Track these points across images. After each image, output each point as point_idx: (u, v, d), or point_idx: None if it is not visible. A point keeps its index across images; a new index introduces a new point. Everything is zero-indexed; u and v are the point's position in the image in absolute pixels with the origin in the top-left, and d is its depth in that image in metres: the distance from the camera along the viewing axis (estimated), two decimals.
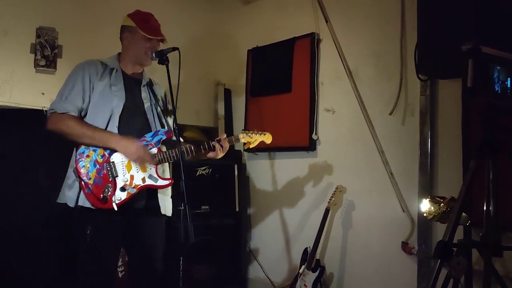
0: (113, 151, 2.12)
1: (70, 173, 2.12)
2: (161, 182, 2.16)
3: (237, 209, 3.61)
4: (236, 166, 3.67)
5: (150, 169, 2.15)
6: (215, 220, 3.48)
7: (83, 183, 2.06)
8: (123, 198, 2.08)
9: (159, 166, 2.19)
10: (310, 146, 3.37)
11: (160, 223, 2.27)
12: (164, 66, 2.12)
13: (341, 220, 3.22)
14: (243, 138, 2.39)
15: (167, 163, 2.28)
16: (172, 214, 2.26)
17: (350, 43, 3.24)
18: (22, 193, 2.83)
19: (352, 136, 3.20)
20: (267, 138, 2.46)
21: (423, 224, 2.76)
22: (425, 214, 2.23)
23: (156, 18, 2.28)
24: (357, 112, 3.15)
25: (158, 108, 2.30)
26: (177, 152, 2.11)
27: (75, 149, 2.13)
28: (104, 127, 2.12)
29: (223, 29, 4.08)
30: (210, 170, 3.51)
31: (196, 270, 3.19)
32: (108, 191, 2.06)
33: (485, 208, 1.69)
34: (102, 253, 2.09)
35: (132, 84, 2.27)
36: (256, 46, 3.80)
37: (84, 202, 2.06)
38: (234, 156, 3.74)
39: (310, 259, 3.06)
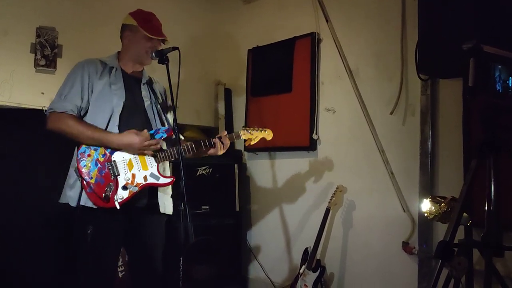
0: (114, 150, 2.11)
1: (72, 172, 2.12)
2: (163, 180, 2.16)
3: (237, 209, 3.61)
4: (236, 166, 3.66)
5: (152, 167, 2.15)
6: (215, 220, 3.47)
7: (84, 182, 2.05)
8: (125, 197, 2.08)
9: (160, 164, 2.19)
10: (311, 145, 3.37)
11: (160, 223, 2.27)
12: (164, 65, 2.12)
13: (341, 220, 3.22)
14: (244, 134, 2.39)
15: (167, 162, 2.27)
16: (172, 214, 2.26)
17: (351, 43, 3.24)
18: (22, 193, 2.83)
19: (353, 135, 3.20)
20: (268, 135, 2.46)
21: (424, 224, 2.76)
22: (425, 214, 2.23)
23: (156, 17, 2.28)
24: (358, 112, 3.15)
25: (158, 106, 2.30)
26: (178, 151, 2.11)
27: (76, 148, 2.12)
28: (104, 126, 2.12)
29: (223, 28, 4.08)
30: (211, 169, 3.51)
31: (196, 270, 3.19)
32: (110, 190, 2.06)
33: (486, 208, 1.68)
34: (102, 253, 2.09)
35: (132, 83, 2.27)
36: (256, 45, 3.79)
37: (86, 201, 2.06)
38: (234, 155, 3.73)
39: (310, 259, 3.05)
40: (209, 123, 4.02)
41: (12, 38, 2.89)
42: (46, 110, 2.18)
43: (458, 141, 2.57)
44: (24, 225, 2.80)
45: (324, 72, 3.38)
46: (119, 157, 2.11)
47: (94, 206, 2.05)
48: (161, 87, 2.41)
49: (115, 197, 2.05)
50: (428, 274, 2.72)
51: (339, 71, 3.28)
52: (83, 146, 2.10)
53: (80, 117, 2.14)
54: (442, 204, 2.15)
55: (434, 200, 2.20)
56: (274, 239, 3.60)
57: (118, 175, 2.09)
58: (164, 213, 2.24)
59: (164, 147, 2.24)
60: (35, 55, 2.97)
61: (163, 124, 2.28)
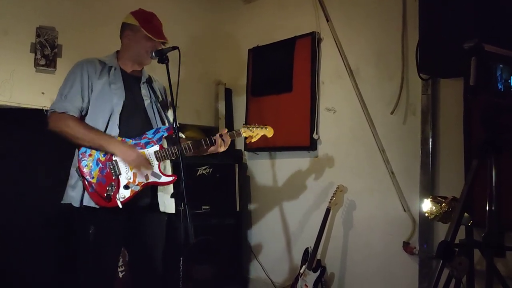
0: None
1: (73, 172, 2.12)
2: (164, 179, 2.16)
3: (237, 209, 3.61)
4: (236, 166, 3.66)
5: (153, 166, 2.15)
6: (216, 220, 3.47)
7: (86, 182, 2.05)
8: (127, 196, 2.08)
9: (161, 163, 2.18)
10: (311, 145, 3.36)
11: (160, 222, 2.27)
12: (164, 65, 2.11)
13: (342, 220, 3.21)
14: (245, 132, 2.38)
15: (168, 160, 2.26)
16: (175, 212, 2.25)
17: (351, 42, 3.23)
18: (22, 193, 2.83)
19: (353, 135, 3.19)
20: (269, 132, 2.45)
21: (425, 224, 2.75)
22: (426, 214, 2.22)
23: (158, 17, 2.28)
24: (358, 112, 3.14)
25: (158, 104, 2.29)
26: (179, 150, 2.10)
27: (77, 148, 2.12)
28: (104, 126, 2.12)
29: (223, 28, 4.07)
30: (211, 169, 3.50)
31: (196, 270, 3.19)
32: (112, 189, 2.06)
33: (487, 207, 1.67)
34: (103, 252, 2.09)
35: (132, 82, 2.26)
36: (256, 45, 3.79)
37: (89, 201, 2.06)
38: (234, 155, 3.73)
39: (311, 259, 3.05)
40: (210, 123, 4.01)
41: (12, 38, 2.89)
42: (46, 110, 2.18)
43: (459, 140, 2.57)
44: (24, 225, 2.80)
45: (325, 71, 3.38)
46: None
47: (97, 206, 2.05)
48: (160, 86, 2.41)
49: (117, 197, 2.05)
50: (428, 274, 2.71)
51: (339, 70, 3.27)
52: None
53: (81, 117, 2.14)
54: (443, 204, 2.14)
55: (435, 200, 2.20)
56: (275, 239, 3.60)
57: (120, 174, 2.09)
58: (164, 213, 2.24)
59: (165, 146, 2.23)
60: (35, 54, 2.96)
61: (163, 123, 2.28)
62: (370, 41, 3.12)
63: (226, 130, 2.31)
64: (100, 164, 2.08)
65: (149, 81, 2.33)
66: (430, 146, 2.77)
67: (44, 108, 2.85)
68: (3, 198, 2.77)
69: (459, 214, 1.71)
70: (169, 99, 2.38)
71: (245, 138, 2.45)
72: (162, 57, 2.11)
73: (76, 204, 2.07)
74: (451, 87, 2.71)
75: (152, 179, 2.14)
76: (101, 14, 3.26)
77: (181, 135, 2.43)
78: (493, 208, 1.67)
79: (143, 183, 2.12)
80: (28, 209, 2.80)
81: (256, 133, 2.41)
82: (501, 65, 1.56)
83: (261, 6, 3.86)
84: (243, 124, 2.43)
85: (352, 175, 3.17)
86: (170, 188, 2.20)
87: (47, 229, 2.87)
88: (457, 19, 2.10)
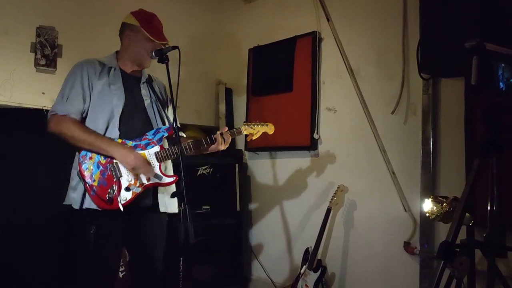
0: None
1: (74, 174, 2.12)
2: (165, 180, 2.15)
3: (238, 209, 3.60)
4: (237, 166, 3.66)
5: (154, 167, 2.14)
6: (216, 219, 3.47)
7: (87, 185, 2.05)
8: (128, 198, 2.07)
9: (162, 163, 2.18)
10: (312, 145, 3.36)
11: (161, 223, 2.26)
12: (164, 65, 2.10)
13: (342, 220, 3.21)
14: (245, 130, 2.37)
15: (169, 160, 2.26)
16: (178, 212, 2.24)
17: (352, 42, 3.22)
18: (22, 193, 2.82)
19: (354, 135, 3.18)
20: (270, 129, 2.44)
21: (425, 223, 2.74)
22: (427, 214, 2.22)
23: (158, 18, 2.27)
24: (359, 111, 3.14)
25: (159, 104, 2.28)
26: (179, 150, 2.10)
27: (77, 151, 2.12)
28: (105, 127, 2.11)
29: (224, 28, 4.07)
30: (211, 169, 3.50)
31: (197, 270, 3.18)
32: (113, 192, 2.05)
33: (489, 207, 1.66)
34: (103, 253, 2.08)
35: (131, 82, 2.25)
36: (257, 45, 3.78)
37: (90, 204, 2.05)
38: (235, 155, 3.73)
39: (311, 259, 3.04)
40: (210, 123, 4.01)
41: (12, 38, 2.88)
42: (47, 110, 2.18)
43: (460, 140, 2.56)
44: (24, 225, 2.80)
45: (325, 71, 3.37)
46: None
47: (98, 208, 2.05)
48: (161, 84, 2.40)
49: (119, 199, 2.05)
50: (429, 275, 2.71)
51: (340, 70, 3.26)
52: None
53: (82, 120, 2.13)
54: (444, 204, 2.14)
55: (436, 200, 2.19)
56: (275, 239, 3.59)
57: (121, 176, 2.08)
58: (165, 213, 2.23)
59: (166, 146, 2.22)
60: (35, 54, 2.96)
61: (163, 123, 2.27)
62: (371, 41, 3.11)
63: (227, 128, 2.30)
64: (101, 167, 2.08)
65: (149, 80, 2.32)
66: (431, 146, 2.76)
67: (44, 108, 2.85)
68: (3, 198, 2.76)
69: (461, 214, 1.71)
70: (169, 97, 2.38)
71: (246, 136, 2.44)
72: (162, 57, 2.10)
73: (76, 206, 2.07)
74: (452, 87, 2.70)
75: (153, 180, 2.13)
76: (101, 14, 3.25)
77: (182, 134, 2.42)
78: (494, 208, 1.66)
79: (144, 185, 2.11)
80: (28, 209, 2.80)
81: (257, 131, 2.40)
82: (502, 64, 1.55)
83: (261, 5, 3.85)
84: (244, 122, 2.42)
85: (352, 175, 3.16)
86: (171, 189, 2.20)
87: (47, 230, 2.87)
88: (458, 18, 2.09)
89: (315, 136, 3.35)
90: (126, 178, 2.09)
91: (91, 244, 2.05)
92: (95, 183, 2.05)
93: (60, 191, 2.19)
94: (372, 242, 3.03)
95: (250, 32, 3.87)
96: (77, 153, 2.12)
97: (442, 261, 1.71)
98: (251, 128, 2.38)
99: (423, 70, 2.60)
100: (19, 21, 2.91)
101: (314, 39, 3.38)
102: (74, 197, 2.08)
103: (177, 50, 2.08)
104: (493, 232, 1.65)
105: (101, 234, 2.06)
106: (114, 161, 2.09)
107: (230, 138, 2.28)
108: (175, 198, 2.07)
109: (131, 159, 2.07)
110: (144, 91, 2.28)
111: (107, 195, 2.04)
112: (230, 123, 3.97)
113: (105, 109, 2.13)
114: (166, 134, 2.19)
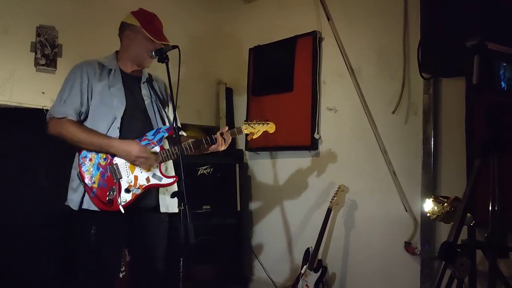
0: None
1: (74, 176, 2.12)
2: (165, 181, 2.15)
3: (238, 209, 3.60)
4: (237, 166, 3.65)
5: (154, 168, 2.14)
6: (217, 219, 3.46)
7: (87, 187, 2.04)
8: (128, 200, 2.07)
9: (163, 164, 2.17)
10: (312, 145, 3.35)
11: (162, 223, 2.26)
12: (164, 64, 2.09)
13: (343, 220, 3.20)
14: (246, 129, 2.37)
15: (170, 161, 2.25)
16: (178, 212, 2.23)
17: (352, 41, 3.22)
18: (22, 193, 2.82)
19: (354, 135, 3.18)
20: (270, 128, 2.43)
21: (426, 224, 2.74)
22: (428, 214, 2.21)
23: (158, 18, 2.26)
24: (360, 111, 3.13)
25: (159, 103, 2.27)
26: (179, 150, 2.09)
27: (77, 152, 2.11)
28: (106, 129, 2.11)
29: (224, 28, 4.06)
30: (212, 169, 3.49)
31: (197, 270, 3.18)
32: (113, 193, 2.05)
33: (490, 207, 1.66)
34: (103, 253, 2.08)
35: (132, 82, 2.25)
36: (257, 44, 3.78)
37: (89, 205, 2.05)
38: (235, 155, 3.72)
39: (312, 259, 3.04)
40: (210, 123, 4.01)
41: (12, 37, 2.88)
42: (47, 110, 2.18)
43: (461, 140, 2.56)
44: (24, 225, 2.79)
45: (326, 71, 3.36)
46: (121, 160, 2.10)
47: (98, 209, 2.05)
48: (161, 83, 2.38)
49: (119, 201, 2.04)
50: (430, 275, 2.70)
51: (340, 70, 3.26)
52: (84, 150, 2.09)
53: (80, 121, 2.12)
54: (445, 204, 2.13)
55: (437, 200, 2.19)
56: (276, 239, 3.59)
57: (121, 178, 2.08)
58: (165, 213, 2.22)
59: (166, 146, 2.22)
60: (35, 54, 2.95)
61: (164, 122, 2.27)
62: (372, 40, 3.11)
63: (227, 128, 2.29)
64: (101, 169, 2.08)
65: (149, 80, 2.31)
66: (432, 146, 2.75)
67: (44, 107, 2.84)
68: (3, 198, 2.76)
69: (462, 215, 1.70)
70: (169, 95, 2.37)
71: (246, 135, 2.43)
72: (162, 56, 2.09)
73: (76, 207, 2.07)
74: (453, 86, 2.69)
75: (153, 181, 2.13)
76: (101, 14, 3.25)
77: (183, 133, 2.41)
78: (496, 208, 1.65)
79: (144, 186, 2.11)
80: (28, 209, 2.80)
81: (258, 130, 2.39)
82: (504, 64, 1.54)
83: (261, 5, 3.85)
84: (244, 121, 2.41)
85: (353, 175, 3.15)
86: (173, 189, 2.19)
87: (47, 230, 2.86)
88: (459, 17, 2.08)
89: (316, 136, 3.34)
90: (126, 180, 2.08)
91: (91, 244, 2.05)
92: (95, 185, 2.05)
93: (60, 191, 2.19)
94: (372, 242, 3.02)
95: (250, 32, 3.86)
96: (77, 154, 2.12)
97: (443, 262, 1.70)
98: (252, 127, 2.37)
99: (424, 69, 2.60)
100: (19, 20, 2.91)
101: (314, 38, 3.38)
102: (73, 198, 2.09)
103: (177, 49, 2.07)
104: (494, 233, 1.64)
105: (102, 234, 2.06)
106: (114, 162, 2.09)
107: (230, 138, 2.28)
108: (176, 198, 2.07)
109: (136, 154, 2.06)
110: (145, 91, 2.27)
111: (107, 197, 2.04)
112: (230, 123, 3.96)
113: (106, 112, 2.12)
114: (166, 135, 2.18)
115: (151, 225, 2.21)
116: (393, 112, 2.95)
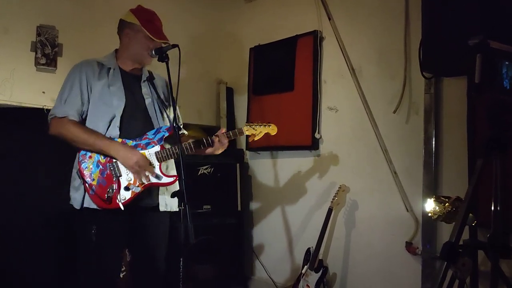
0: None
1: (75, 174, 2.12)
2: (165, 180, 2.14)
3: (239, 209, 3.59)
4: (238, 165, 3.64)
5: (154, 167, 2.13)
6: (217, 219, 3.46)
7: (87, 184, 2.04)
8: (127, 198, 2.06)
9: (163, 163, 2.16)
10: (313, 145, 3.34)
11: (162, 223, 2.25)
12: (164, 64, 2.09)
13: (344, 220, 3.19)
14: (247, 130, 2.35)
15: (171, 160, 2.24)
16: (178, 210, 2.23)
17: (353, 41, 3.21)
18: (22, 193, 2.81)
19: (355, 135, 3.17)
20: (272, 130, 2.42)
21: (427, 224, 2.73)
22: (429, 214, 2.20)
23: (158, 16, 2.25)
24: (361, 111, 3.12)
25: (160, 102, 2.26)
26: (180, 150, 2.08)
27: (77, 150, 2.11)
28: (105, 128, 2.10)
29: (225, 27, 4.06)
30: (212, 169, 3.49)
31: (197, 270, 3.17)
32: (112, 191, 2.05)
33: (492, 207, 1.65)
34: (103, 253, 2.08)
35: (132, 81, 2.24)
36: (258, 44, 3.77)
37: (89, 203, 2.05)
38: (236, 155, 3.72)
39: (312, 259, 3.03)
40: (211, 122, 4.00)
41: (12, 37, 2.87)
42: (47, 110, 2.18)
43: (462, 140, 2.55)
44: (24, 225, 2.79)
45: (327, 70, 3.36)
46: None
47: (98, 208, 2.04)
48: (162, 81, 2.36)
49: (118, 198, 2.04)
50: (431, 275, 2.69)
51: (341, 69, 3.25)
52: None
53: (82, 121, 2.12)
54: (446, 204, 2.12)
55: (438, 200, 2.18)
56: (276, 239, 3.58)
57: (120, 176, 2.08)
58: (167, 213, 2.22)
59: (167, 146, 2.21)
60: (36, 53, 2.95)
61: (165, 122, 2.26)
62: (373, 40, 3.10)
63: (224, 130, 2.27)
64: (101, 166, 2.07)
65: (150, 78, 2.29)
66: (433, 146, 2.75)
67: (44, 107, 2.84)
68: (3, 198, 2.76)
69: (464, 215, 1.69)
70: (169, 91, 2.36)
71: (248, 136, 2.42)
72: (162, 55, 2.09)
73: (77, 205, 2.07)
74: (454, 86, 2.69)
75: (153, 180, 2.12)
76: (101, 14, 3.24)
77: (184, 131, 2.40)
78: (498, 208, 1.64)
79: (144, 184, 2.10)
80: (28, 209, 2.79)
81: (259, 131, 2.38)
82: (506, 62, 1.54)
83: (262, 4, 3.84)
84: (246, 123, 2.40)
85: (354, 175, 3.14)
86: (173, 188, 2.18)
87: (47, 230, 2.86)
88: (460, 17, 2.08)
89: (317, 135, 3.33)
90: (125, 178, 2.08)
91: (92, 244, 2.05)
92: (94, 182, 2.05)
93: (60, 191, 2.19)
94: (373, 242, 3.01)
95: (251, 31, 3.86)
96: (77, 152, 2.12)
97: (445, 262, 1.69)
98: (253, 128, 2.36)
99: (425, 69, 2.59)
100: (20, 20, 2.90)
101: (315, 38, 3.37)
102: (75, 197, 2.09)
103: (177, 49, 2.06)
104: (496, 233, 1.63)
105: (102, 234, 2.05)
106: (114, 160, 2.08)
107: (227, 141, 2.25)
108: (175, 197, 2.06)
109: (133, 162, 2.06)
110: (145, 89, 2.26)
111: (106, 194, 2.04)
112: (231, 122, 3.96)
113: (105, 111, 2.12)
114: (166, 134, 2.17)
115: (151, 225, 2.21)
116: (394, 112, 2.94)
